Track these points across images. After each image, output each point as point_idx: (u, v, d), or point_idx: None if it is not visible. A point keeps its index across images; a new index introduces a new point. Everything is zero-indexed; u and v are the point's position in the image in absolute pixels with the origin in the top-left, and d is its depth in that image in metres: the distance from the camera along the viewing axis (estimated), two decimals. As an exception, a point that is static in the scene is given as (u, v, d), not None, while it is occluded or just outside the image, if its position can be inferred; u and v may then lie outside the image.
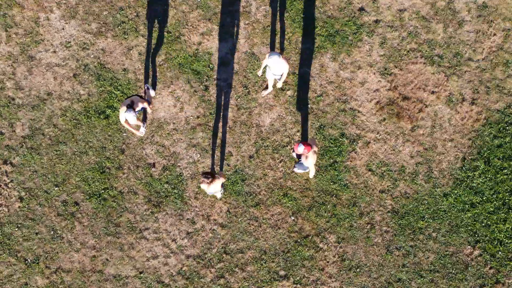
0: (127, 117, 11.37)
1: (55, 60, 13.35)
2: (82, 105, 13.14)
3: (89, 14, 13.59)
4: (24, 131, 13.04)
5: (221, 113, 13.19)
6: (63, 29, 13.51)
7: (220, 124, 13.15)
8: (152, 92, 12.95)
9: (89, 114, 13.10)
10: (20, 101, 13.16)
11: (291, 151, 12.95)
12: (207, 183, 10.94)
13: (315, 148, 11.53)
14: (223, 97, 13.26)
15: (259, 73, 12.57)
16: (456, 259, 12.64)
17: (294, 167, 12.76)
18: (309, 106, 13.24)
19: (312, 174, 12.48)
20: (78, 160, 12.91)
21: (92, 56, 13.39)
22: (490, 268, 12.59)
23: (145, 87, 12.83)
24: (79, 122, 13.07)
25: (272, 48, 13.46)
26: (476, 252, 12.68)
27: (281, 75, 12.19)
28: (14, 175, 12.84)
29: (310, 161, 11.61)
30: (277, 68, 11.92)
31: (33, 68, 13.31)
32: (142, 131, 12.85)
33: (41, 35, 13.48)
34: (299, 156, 12.63)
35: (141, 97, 11.84)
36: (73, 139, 13.00)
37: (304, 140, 13.03)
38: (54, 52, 13.40)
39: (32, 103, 13.14)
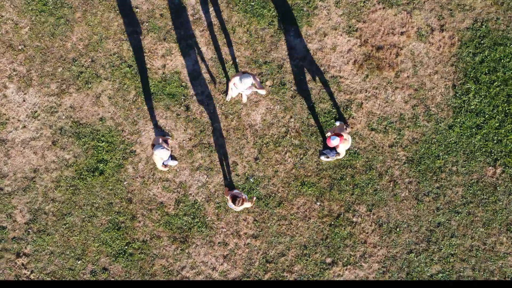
0: (160, 154, 8.59)
1: (28, 135, 10.05)
2: (72, 170, 9.95)
3: (44, 76, 10.23)
4: (25, 217, 9.84)
5: (212, 127, 10.14)
6: (24, 101, 10.16)
7: (214, 137, 10.10)
8: (173, 162, 10.00)
9: (83, 176, 9.93)
10: (9, 189, 9.92)
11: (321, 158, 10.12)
12: (240, 204, 8.47)
13: (345, 134, 8.84)
14: (207, 110, 10.18)
15: (228, 97, 9.51)
16: (483, 184, 10.04)
17: (321, 155, 9.95)
18: (292, 89, 10.24)
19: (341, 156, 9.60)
20: (90, 226, 9.82)
21: (63, 117, 10.12)
22: (517, 180, 10.05)
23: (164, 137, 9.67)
24: (76, 188, 9.91)
25: (234, 45, 10.33)
26: (499, 170, 10.08)
27: (251, 86, 9.29)
28: (32, 264, 9.73)
29: (343, 148, 8.91)
30: (247, 84, 8.98)
31: (9, 150, 10.01)
32: (174, 163, 10.00)
33: (5, 114, 10.13)
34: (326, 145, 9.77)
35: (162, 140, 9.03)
36: (76, 207, 9.87)
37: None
38: (24, 127, 10.08)
39: (22, 186, 9.91)
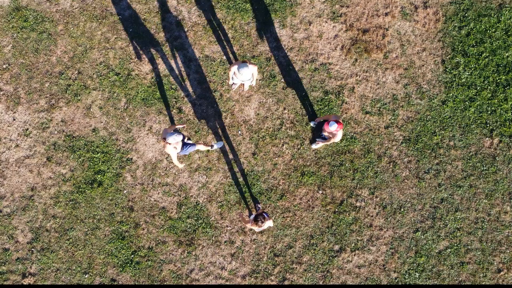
0: (174, 140, 8.08)
1: (22, 153, 9.79)
2: (70, 184, 9.70)
3: (32, 93, 9.97)
4: (27, 236, 9.58)
5: (206, 126, 9.91)
6: (14, 120, 9.89)
7: (210, 137, 9.89)
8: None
9: (81, 189, 9.68)
10: (8, 210, 9.65)
11: (310, 124, 9.92)
12: (260, 225, 7.98)
13: (340, 121, 8.67)
14: (199, 110, 9.96)
15: (230, 81, 9.24)
16: (482, 155, 9.90)
17: (314, 143, 9.74)
18: (282, 80, 10.05)
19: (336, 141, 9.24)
20: (94, 238, 9.58)
21: (55, 132, 9.86)
22: (514, 148, 9.93)
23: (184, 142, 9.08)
24: (76, 202, 9.66)
25: (220, 42, 10.12)
26: (496, 141, 9.95)
27: (251, 78, 9.05)
28: (39, 283, 9.45)
29: (339, 137, 8.69)
30: (246, 74, 8.74)
31: (4, 171, 9.73)
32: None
33: (-4, 135, 9.86)
34: (317, 132, 9.45)
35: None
36: (78, 221, 9.62)
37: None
38: (17, 146, 9.81)
39: (21, 205, 9.65)
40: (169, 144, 8.13)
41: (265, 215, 8.01)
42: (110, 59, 10.09)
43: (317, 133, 9.74)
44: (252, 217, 8.27)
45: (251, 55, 10.12)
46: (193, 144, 8.98)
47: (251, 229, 9.45)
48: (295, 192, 9.74)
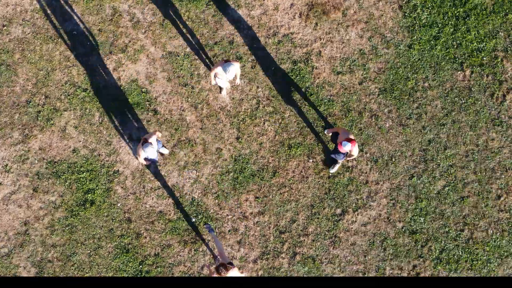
0: (148, 152, 8.11)
1: (7, 190, 9.34)
2: (62, 210, 9.29)
3: (3, 128, 9.49)
4: (31, 272, 9.16)
5: (185, 122, 9.58)
6: (-10, 159, 9.43)
7: (191, 132, 9.55)
8: (165, 150, 9.26)
9: (75, 213, 9.28)
10: (6, 250, 9.20)
11: (325, 132, 9.40)
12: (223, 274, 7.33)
13: (352, 136, 8.13)
14: (174, 108, 9.61)
15: (213, 82, 8.88)
16: (458, 89, 9.74)
17: (331, 167, 9.32)
18: (249, 60, 9.75)
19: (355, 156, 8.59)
20: (98, 258, 9.20)
21: (36, 161, 9.42)
22: (487, 75, 9.78)
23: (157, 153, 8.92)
24: (72, 226, 9.27)
25: (181, 36, 9.76)
26: (468, 72, 9.79)
27: (235, 76, 8.72)
28: (54, 314, 9.07)
29: (355, 153, 8.20)
30: (232, 73, 8.37)
31: (-7, 212, 9.28)
32: (166, 151, 9.38)
33: (-24, 178, 9.37)
34: (334, 151, 8.79)
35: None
36: (79, 244, 9.23)
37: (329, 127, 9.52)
38: (0, 184, 9.35)
39: (17, 243, 9.22)
40: (143, 152, 8.10)
41: (230, 265, 7.49)
42: (74, 76, 9.65)
43: (332, 153, 9.01)
44: (213, 267, 7.76)
45: (213, 42, 9.77)
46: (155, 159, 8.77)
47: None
48: (287, 166, 9.48)
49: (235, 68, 8.31)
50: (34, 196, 9.32)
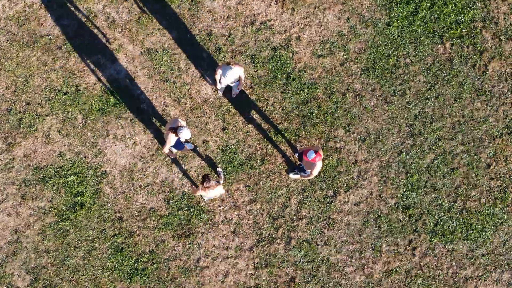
0: (183, 134, 7.78)
1: (-5, 200, 9.14)
2: (53, 215, 9.10)
3: (-14, 138, 9.31)
4: (26, 279, 8.96)
5: (169, 117, 9.42)
6: (-24, 170, 9.22)
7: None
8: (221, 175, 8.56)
9: (65, 217, 9.09)
10: (-2, 259, 9.01)
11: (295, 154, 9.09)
12: (207, 187, 7.57)
13: (321, 152, 7.95)
14: (157, 104, 9.46)
15: (218, 86, 8.71)
16: (439, 63, 9.65)
17: (292, 172, 9.07)
18: (229, 50, 9.61)
19: (313, 176, 8.57)
20: (93, 260, 9.01)
21: (22, 169, 9.22)
22: (468, 46, 9.70)
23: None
24: (63, 230, 9.07)
25: (157, 31, 9.60)
26: (448, 45, 9.70)
27: (238, 79, 8.60)
28: (52, 320, 8.88)
29: (317, 169, 8.03)
30: (231, 77, 8.30)
31: (-18, 223, 9.08)
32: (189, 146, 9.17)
33: (-37, 191, 9.16)
34: (299, 159, 8.55)
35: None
36: (72, 248, 9.04)
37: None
38: (-13, 194, 9.16)
39: (10, 251, 9.01)
40: (175, 136, 7.86)
41: (215, 181, 7.69)
42: (53, 80, 9.47)
43: (297, 164, 9.06)
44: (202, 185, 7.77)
45: (191, 35, 9.64)
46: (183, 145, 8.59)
47: (201, 196, 8.88)
48: (274, 153, 9.34)
49: (233, 72, 8.22)
50: (22, 203, 9.13)
